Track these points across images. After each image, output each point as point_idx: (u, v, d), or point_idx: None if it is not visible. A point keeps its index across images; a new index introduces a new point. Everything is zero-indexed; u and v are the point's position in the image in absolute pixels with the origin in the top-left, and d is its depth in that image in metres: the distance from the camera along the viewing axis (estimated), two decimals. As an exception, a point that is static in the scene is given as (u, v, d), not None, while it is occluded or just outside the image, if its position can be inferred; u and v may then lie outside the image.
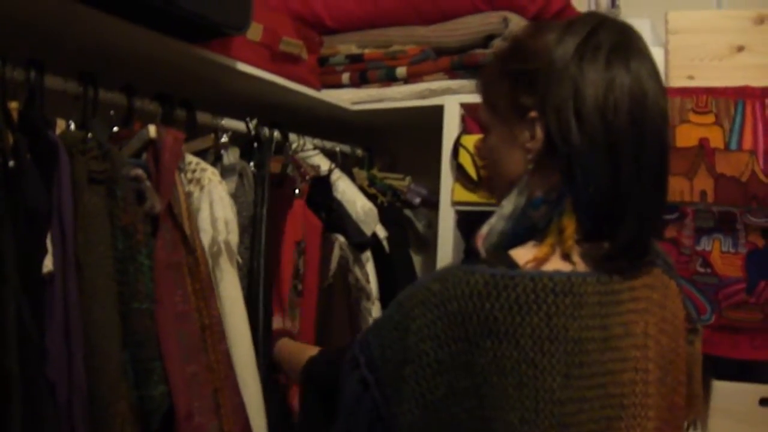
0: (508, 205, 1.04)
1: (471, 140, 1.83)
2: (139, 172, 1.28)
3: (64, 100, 1.26)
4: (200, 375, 1.30)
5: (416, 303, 0.96)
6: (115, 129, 1.38)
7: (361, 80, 2.05)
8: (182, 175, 1.42)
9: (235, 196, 1.57)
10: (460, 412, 0.93)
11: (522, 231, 1.02)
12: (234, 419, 1.35)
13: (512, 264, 0.96)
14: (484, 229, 1.05)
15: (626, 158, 0.97)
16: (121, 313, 1.19)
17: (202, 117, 1.58)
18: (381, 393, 0.98)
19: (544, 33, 1.04)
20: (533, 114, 1.00)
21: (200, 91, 1.60)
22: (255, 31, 1.69)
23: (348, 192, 1.99)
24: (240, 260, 1.52)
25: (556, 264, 0.96)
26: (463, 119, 1.91)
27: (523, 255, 0.97)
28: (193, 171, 1.46)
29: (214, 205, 1.43)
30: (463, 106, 1.90)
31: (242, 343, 1.45)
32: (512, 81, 1.05)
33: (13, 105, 1.13)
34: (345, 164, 2.12)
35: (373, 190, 2.16)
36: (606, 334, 0.97)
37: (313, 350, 1.43)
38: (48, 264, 1.08)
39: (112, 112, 1.37)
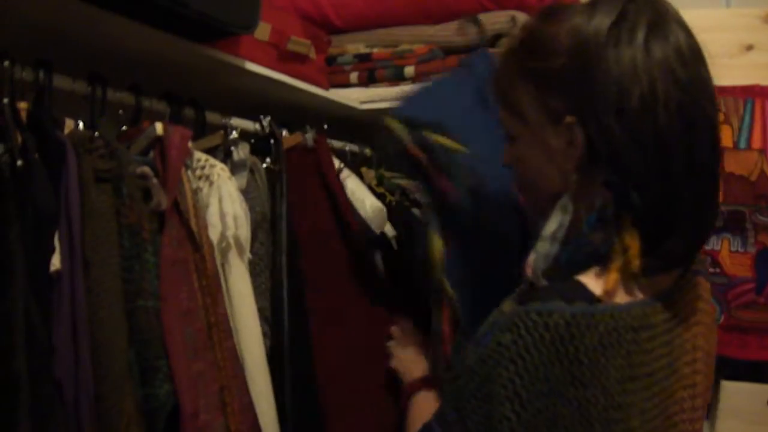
0: (552, 224, 0.93)
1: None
2: (146, 169, 1.29)
3: (73, 100, 1.27)
4: (206, 373, 1.30)
5: (492, 365, 0.86)
6: (124, 128, 1.39)
7: (369, 79, 2.05)
8: (189, 172, 1.43)
9: (246, 191, 1.56)
10: None
11: (582, 258, 0.92)
12: (241, 417, 1.35)
13: (589, 296, 0.88)
14: (531, 257, 0.93)
15: (678, 158, 0.88)
16: (127, 311, 1.19)
17: (211, 116, 1.58)
18: None
19: (565, 19, 0.93)
20: (569, 119, 0.90)
21: (208, 91, 1.61)
22: (263, 31, 1.69)
23: (357, 191, 1.99)
24: (251, 256, 1.52)
25: (623, 291, 0.90)
26: (471, 118, 1.91)
27: (593, 285, 0.89)
28: (203, 167, 1.46)
29: (224, 200, 1.42)
30: (471, 105, 1.89)
31: (251, 340, 1.44)
32: (536, 81, 0.95)
33: (22, 105, 1.13)
34: (353, 163, 2.12)
35: (381, 189, 2.16)
36: (671, 359, 0.94)
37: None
38: (55, 262, 1.08)
39: (120, 112, 1.38)
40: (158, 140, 1.35)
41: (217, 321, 1.33)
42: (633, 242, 0.87)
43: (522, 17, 1.85)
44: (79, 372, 1.09)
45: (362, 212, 1.95)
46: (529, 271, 0.93)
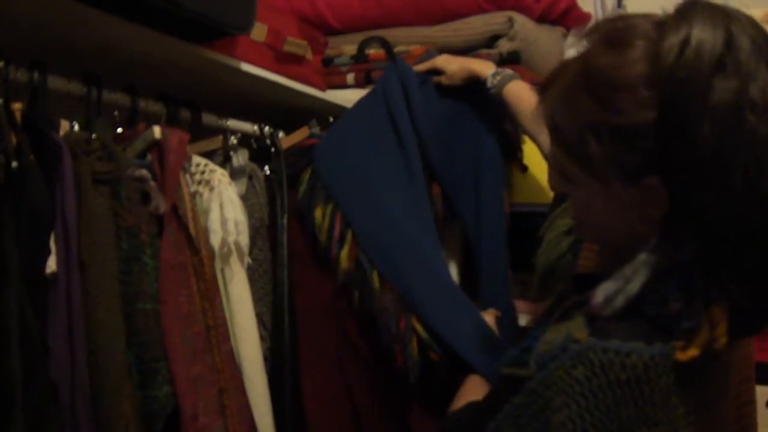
0: (636, 278, 0.85)
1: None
2: (144, 172, 1.28)
3: (68, 101, 1.26)
4: (205, 375, 1.29)
5: (556, 392, 0.84)
6: (120, 130, 1.38)
7: (366, 81, 2.04)
8: (187, 176, 1.42)
9: (245, 198, 1.57)
10: None
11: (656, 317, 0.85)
12: (240, 419, 1.34)
13: (665, 337, 0.83)
14: (600, 298, 0.86)
15: None
16: (126, 313, 1.18)
17: (207, 118, 1.57)
18: None
19: (649, 54, 0.79)
20: (652, 180, 0.81)
21: (204, 92, 1.60)
22: (259, 32, 1.68)
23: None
24: (251, 261, 1.52)
25: None
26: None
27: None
28: (202, 172, 1.46)
29: (225, 206, 1.43)
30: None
31: (250, 343, 1.44)
32: (611, 135, 0.82)
33: (17, 106, 1.12)
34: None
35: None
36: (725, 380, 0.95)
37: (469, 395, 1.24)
38: (51, 264, 1.08)
39: (116, 113, 1.37)
40: (156, 143, 1.35)
41: (215, 324, 1.33)
42: (722, 319, 0.81)
43: (519, 18, 1.84)
44: (75, 374, 1.08)
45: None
46: (597, 305, 0.87)
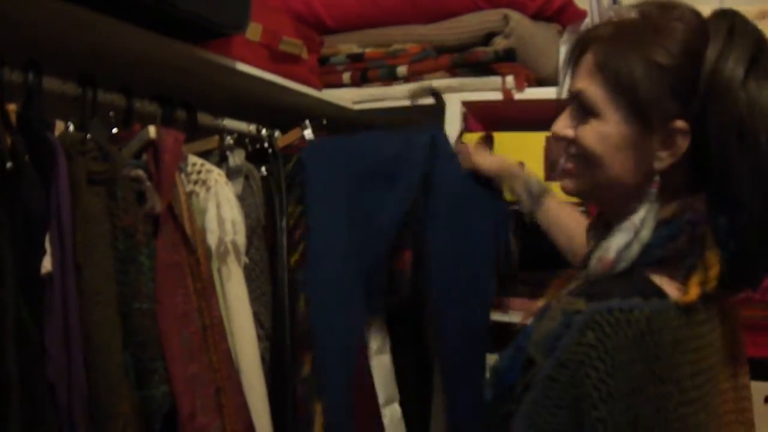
0: (645, 226, 0.94)
1: (472, 138, 1.83)
2: (140, 172, 1.29)
3: (63, 102, 1.26)
4: (202, 375, 1.30)
5: (574, 368, 0.85)
6: (115, 130, 1.38)
7: (362, 79, 2.04)
8: (183, 175, 1.42)
9: (241, 198, 1.57)
10: None
11: (653, 258, 0.93)
12: (237, 418, 1.35)
13: (660, 293, 0.90)
14: (611, 256, 0.94)
15: None
16: (122, 313, 1.19)
17: (203, 118, 1.57)
18: None
19: (701, 35, 0.92)
20: (681, 124, 0.91)
21: (200, 92, 1.60)
22: (254, 31, 1.68)
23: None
24: (248, 261, 1.53)
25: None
26: (464, 117, 1.91)
27: (662, 284, 0.91)
28: (198, 172, 1.47)
29: (222, 206, 1.43)
30: (464, 104, 1.89)
31: (247, 342, 1.45)
32: (661, 75, 0.92)
33: (11, 107, 1.12)
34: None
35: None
36: (722, 351, 0.96)
37: None
38: (47, 265, 1.08)
39: (111, 114, 1.37)
40: (151, 143, 1.35)
41: (211, 323, 1.34)
42: (715, 263, 0.89)
43: (514, 15, 1.84)
44: (71, 374, 1.09)
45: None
46: (607, 268, 0.94)
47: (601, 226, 1.07)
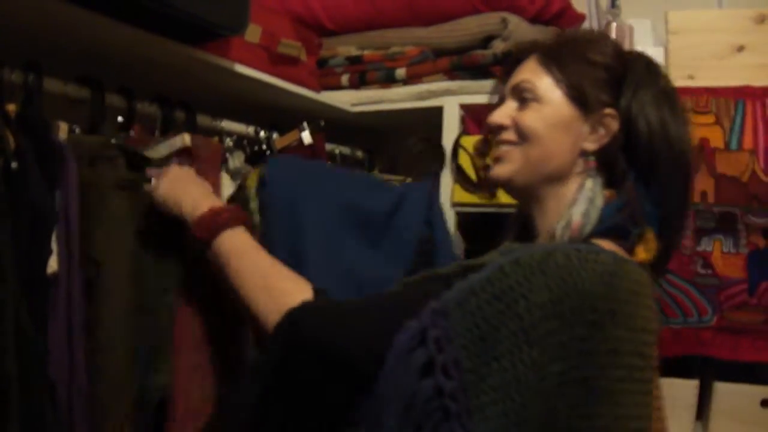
0: (597, 196, 1.05)
1: (470, 141, 1.83)
2: None
3: (59, 103, 1.25)
4: (204, 367, 1.32)
5: (533, 272, 0.85)
6: (132, 133, 1.38)
7: (360, 82, 2.04)
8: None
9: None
10: (563, 407, 0.84)
11: (602, 229, 1.03)
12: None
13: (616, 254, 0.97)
14: (578, 219, 1.03)
15: (688, 180, 1.08)
16: (140, 310, 1.21)
17: (201, 119, 1.57)
18: (458, 379, 0.80)
19: (623, 50, 1.14)
20: (610, 111, 1.06)
21: (198, 94, 1.60)
22: (253, 33, 1.68)
23: (348, 194, 1.99)
24: None
25: None
26: (462, 120, 1.91)
27: (619, 252, 0.99)
28: None
29: None
30: (463, 107, 1.89)
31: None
32: (595, 69, 1.09)
33: (11, 107, 1.12)
34: (345, 166, 2.11)
35: (373, 192, 2.16)
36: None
37: (292, 283, 1.06)
38: (53, 264, 1.08)
39: (120, 119, 1.36)
40: (184, 150, 1.35)
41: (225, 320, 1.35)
42: (652, 237, 1.02)
43: (513, 19, 1.84)
44: (73, 373, 1.09)
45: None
46: (574, 233, 1.02)
47: (517, 227, 1.18)
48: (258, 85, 1.68)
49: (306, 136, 1.79)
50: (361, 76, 2.03)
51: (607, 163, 1.06)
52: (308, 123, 1.80)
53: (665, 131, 1.05)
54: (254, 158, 1.70)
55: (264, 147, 1.71)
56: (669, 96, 1.08)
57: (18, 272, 1.01)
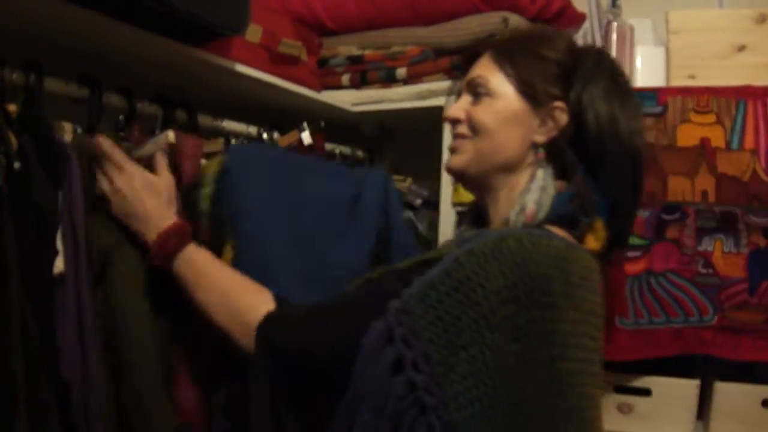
0: (549, 185, 1.08)
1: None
2: None
3: (58, 103, 1.25)
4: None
5: (487, 260, 0.88)
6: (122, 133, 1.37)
7: (361, 81, 2.04)
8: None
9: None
10: (532, 389, 0.87)
11: (554, 217, 1.06)
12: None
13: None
14: (531, 206, 1.06)
15: (639, 173, 1.11)
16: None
17: (202, 119, 1.57)
18: (429, 372, 0.84)
19: (578, 49, 1.16)
20: (559, 104, 1.10)
21: (199, 94, 1.60)
22: (254, 33, 1.68)
23: (349, 194, 1.99)
24: None
25: None
26: (463, 120, 1.91)
27: (571, 239, 1.03)
28: None
29: None
30: (464, 106, 1.89)
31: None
32: (546, 66, 1.12)
33: (12, 108, 1.12)
34: (346, 166, 2.11)
35: (374, 192, 2.15)
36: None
37: (252, 297, 1.10)
38: (59, 265, 1.08)
39: (121, 117, 1.36)
40: (170, 147, 1.34)
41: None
42: (601, 227, 1.05)
43: (514, 18, 1.84)
44: (88, 372, 1.09)
45: (355, 214, 1.94)
46: (529, 219, 1.04)
47: (472, 215, 1.22)
48: (259, 84, 1.68)
49: (306, 137, 1.79)
50: (362, 75, 2.03)
51: (557, 155, 1.10)
52: (308, 123, 1.80)
53: (614, 125, 1.07)
54: None
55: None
56: (621, 90, 1.11)
57: (23, 272, 1.01)
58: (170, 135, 1.33)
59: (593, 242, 1.04)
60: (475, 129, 1.13)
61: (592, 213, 1.05)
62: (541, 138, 1.10)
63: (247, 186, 1.35)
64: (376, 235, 1.47)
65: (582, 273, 0.96)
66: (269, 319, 1.03)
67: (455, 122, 1.17)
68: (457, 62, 1.88)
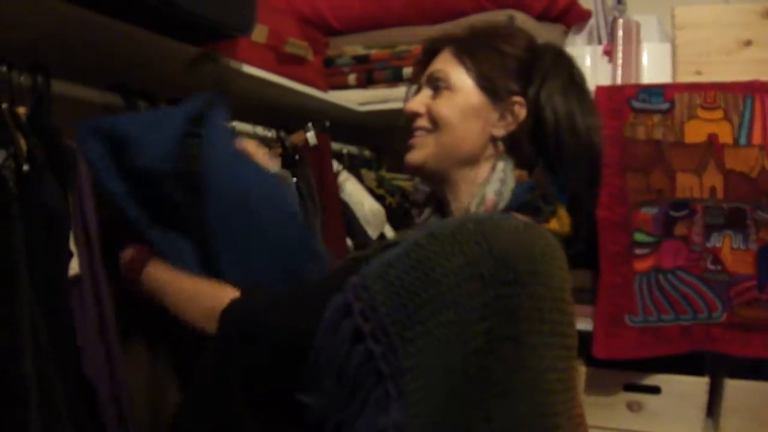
0: (509, 177, 1.09)
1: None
2: None
3: (67, 105, 1.25)
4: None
5: (448, 241, 0.90)
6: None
7: (367, 81, 2.04)
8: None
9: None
10: (495, 365, 0.89)
11: (517, 204, 1.06)
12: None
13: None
14: (491, 196, 1.07)
15: (596, 168, 1.13)
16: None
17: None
18: (387, 343, 0.86)
19: (537, 46, 1.16)
20: (518, 99, 1.10)
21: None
22: (260, 33, 1.69)
23: (355, 193, 1.99)
24: None
25: None
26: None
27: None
28: None
29: None
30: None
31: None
32: (505, 61, 1.12)
33: (21, 110, 1.12)
34: (353, 165, 2.11)
35: (381, 191, 2.16)
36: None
37: (215, 289, 1.11)
38: (74, 266, 1.09)
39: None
40: None
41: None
42: (564, 214, 1.07)
43: (520, 16, 1.84)
44: (112, 368, 1.10)
45: (360, 214, 1.95)
46: (492, 200, 1.06)
47: (434, 203, 1.20)
48: (265, 84, 1.68)
49: (311, 137, 1.79)
50: (368, 75, 2.03)
51: (516, 149, 1.11)
52: (313, 124, 1.81)
53: (572, 121, 1.08)
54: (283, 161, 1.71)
55: (288, 148, 1.73)
56: (578, 88, 1.12)
57: (33, 275, 1.01)
58: None
59: (557, 227, 1.06)
60: (436, 123, 1.13)
61: (554, 201, 1.07)
62: (500, 132, 1.11)
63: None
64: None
65: (544, 250, 0.97)
66: (233, 303, 1.05)
67: (415, 116, 1.16)
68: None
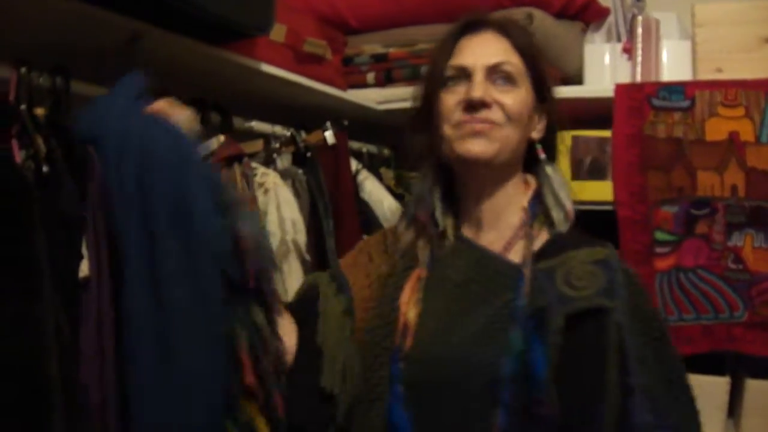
0: (561, 190, 1.16)
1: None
2: None
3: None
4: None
5: (636, 291, 1.10)
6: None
7: (386, 80, 2.04)
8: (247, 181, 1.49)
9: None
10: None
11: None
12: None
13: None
14: (569, 205, 1.16)
15: None
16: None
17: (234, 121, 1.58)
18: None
19: None
20: (546, 105, 1.18)
21: (225, 94, 1.61)
22: (279, 33, 1.69)
23: (375, 192, 1.99)
24: (309, 258, 1.56)
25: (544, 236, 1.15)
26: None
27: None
28: (254, 176, 1.50)
29: (282, 206, 1.47)
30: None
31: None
32: (542, 63, 1.18)
33: (39, 111, 1.13)
34: (372, 164, 2.11)
35: (400, 190, 2.16)
36: None
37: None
38: (84, 269, 1.09)
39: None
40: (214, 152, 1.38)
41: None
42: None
43: (538, 14, 1.84)
44: (103, 375, 1.10)
45: (380, 213, 1.95)
46: (572, 211, 1.14)
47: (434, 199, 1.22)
48: (284, 84, 1.68)
49: (329, 136, 1.80)
50: (387, 73, 2.03)
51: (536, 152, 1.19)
52: (331, 123, 1.81)
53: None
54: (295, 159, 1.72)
55: (302, 147, 1.74)
56: None
57: (54, 276, 1.02)
58: (221, 139, 1.35)
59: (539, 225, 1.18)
60: (510, 117, 1.11)
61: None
62: (537, 135, 1.17)
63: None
64: None
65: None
66: None
67: (482, 105, 1.11)
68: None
